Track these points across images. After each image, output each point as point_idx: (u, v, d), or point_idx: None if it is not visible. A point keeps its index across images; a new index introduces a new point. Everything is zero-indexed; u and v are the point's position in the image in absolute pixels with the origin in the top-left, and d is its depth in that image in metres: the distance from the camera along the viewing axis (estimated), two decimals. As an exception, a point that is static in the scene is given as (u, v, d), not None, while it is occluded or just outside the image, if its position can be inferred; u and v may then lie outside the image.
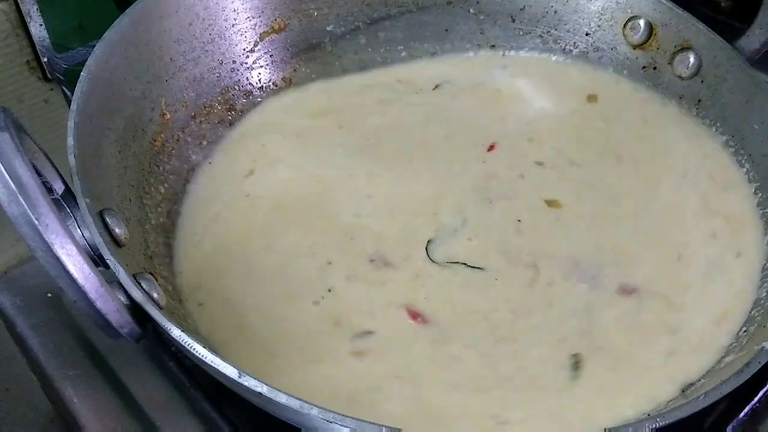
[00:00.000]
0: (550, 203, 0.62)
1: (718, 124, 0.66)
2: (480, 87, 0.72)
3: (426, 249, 0.58)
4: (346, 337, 0.52)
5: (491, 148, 0.66)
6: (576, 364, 0.51)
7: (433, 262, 0.58)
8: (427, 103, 0.71)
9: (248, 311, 0.53)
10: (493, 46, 0.76)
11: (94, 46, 0.53)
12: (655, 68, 0.70)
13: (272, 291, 0.55)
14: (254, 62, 0.69)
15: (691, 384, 0.50)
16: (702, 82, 0.67)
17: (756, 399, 0.49)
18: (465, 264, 0.57)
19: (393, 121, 0.69)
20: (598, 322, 0.53)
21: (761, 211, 0.60)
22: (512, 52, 0.74)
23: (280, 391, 0.39)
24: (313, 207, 0.61)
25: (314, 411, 0.39)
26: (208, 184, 0.62)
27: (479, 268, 0.57)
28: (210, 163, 0.64)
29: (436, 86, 0.72)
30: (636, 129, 0.68)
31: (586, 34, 0.73)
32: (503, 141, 0.67)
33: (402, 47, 0.75)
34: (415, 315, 0.54)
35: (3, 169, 0.38)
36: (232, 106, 0.67)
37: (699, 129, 0.67)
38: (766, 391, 0.50)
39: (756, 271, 0.56)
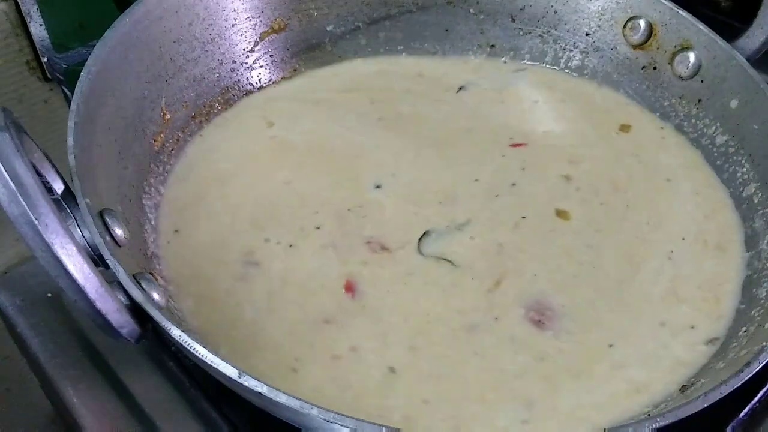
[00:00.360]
0: (560, 213, 0.61)
1: (718, 124, 0.66)
2: (505, 91, 0.72)
3: (420, 240, 0.58)
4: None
5: (517, 145, 0.67)
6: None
7: (420, 253, 0.58)
8: (454, 100, 0.71)
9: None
10: (492, 46, 0.76)
11: (94, 46, 0.53)
12: (655, 68, 0.70)
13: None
14: (254, 62, 0.69)
15: (691, 384, 0.50)
16: (702, 82, 0.67)
17: (756, 399, 0.49)
18: (451, 263, 0.57)
19: (421, 110, 0.70)
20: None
21: (762, 211, 0.60)
22: (529, 62, 0.75)
23: (280, 391, 0.39)
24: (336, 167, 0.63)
25: (314, 411, 0.39)
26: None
27: (448, 261, 0.57)
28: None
29: (461, 88, 0.72)
30: (663, 173, 0.66)
31: (586, 34, 0.73)
32: (532, 144, 0.67)
33: (402, 47, 0.75)
34: (350, 287, 0.55)
35: (3, 169, 0.38)
36: (232, 106, 0.67)
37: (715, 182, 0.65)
38: (766, 391, 0.50)
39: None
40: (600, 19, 0.72)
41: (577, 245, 0.59)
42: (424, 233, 0.59)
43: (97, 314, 0.41)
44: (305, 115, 0.68)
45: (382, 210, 0.60)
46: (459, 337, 0.52)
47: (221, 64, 0.66)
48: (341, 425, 0.39)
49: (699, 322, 0.54)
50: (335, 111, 0.68)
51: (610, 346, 0.52)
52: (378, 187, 0.62)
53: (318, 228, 0.58)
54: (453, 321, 0.53)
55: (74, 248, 0.39)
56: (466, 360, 0.51)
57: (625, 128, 0.69)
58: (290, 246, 0.57)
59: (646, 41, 0.70)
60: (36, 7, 0.70)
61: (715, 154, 0.66)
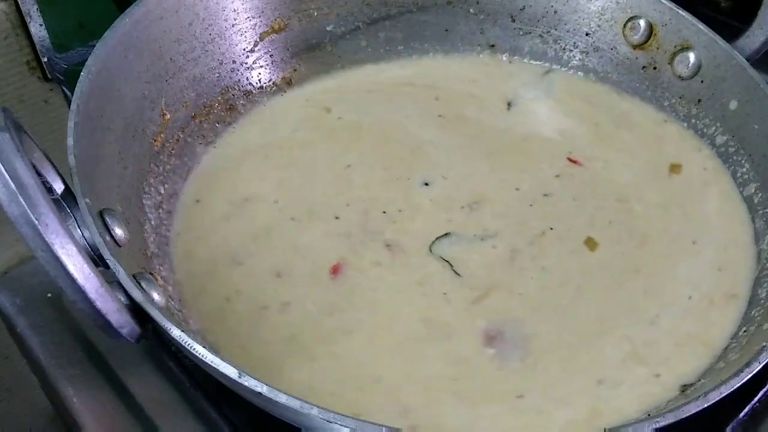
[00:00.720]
0: (589, 241, 0.59)
1: (718, 124, 0.66)
2: (563, 104, 0.72)
3: (438, 239, 0.59)
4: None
5: (573, 162, 0.66)
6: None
7: (430, 252, 0.58)
8: (515, 109, 0.71)
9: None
10: (493, 45, 0.76)
11: (94, 46, 0.53)
12: (655, 68, 0.70)
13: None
14: (254, 62, 0.69)
15: (691, 384, 0.50)
16: (702, 82, 0.67)
17: (756, 399, 0.49)
18: (451, 266, 0.57)
19: (479, 114, 0.70)
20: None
21: (762, 211, 0.60)
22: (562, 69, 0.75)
23: (280, 391, 0.39)
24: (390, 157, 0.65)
25: (314, 411, 0.39)
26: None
27: (450, 265, 0.57)
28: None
29: (509, 104, 0.72)
30: (695, 230, 0.61)
31: (586, 34, 0.73)
32: (588, 165, 0.66)
33: (402, 47, 0.75)
34: (336, 269, 0.56)
35: (3, 169, 0.38)
36: (232, 106, 0.67)
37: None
38: (766, 391, 0.50)
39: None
40: (600, 19, 0.72)
41: (584, 278, 0.57)
42: (445, 234, 0.59)
43: (97, 314, 0.41)
44: (368, 103, 0.70)
45: (416, 214, 0.61)
46: (407, 340, 0.52)
47: (221, 64, 0.66)
48: (341, 425, 0.39)
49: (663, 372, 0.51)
50: (398, 101, 0.70)
51: (519, 396, 0.50)
52: (426, 184, 0.63)
53: (338, 218, 0.60)
54: (412, 322, 0.53)
55: (74, 248, 0.39)
56: (394, 358, 0.51)
57: (675, 169, 0.65)
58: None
59: (646, 41, 0.70)
60: (36, 7, 0.70)
61: (715, 154, 0.66)
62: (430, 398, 0.49)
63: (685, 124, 0.69)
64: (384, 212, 0.60)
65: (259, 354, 0.51)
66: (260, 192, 0.62)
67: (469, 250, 0.58)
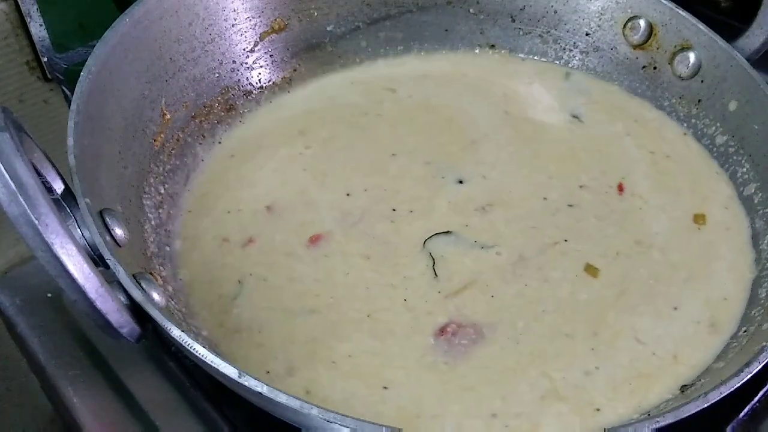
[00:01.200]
0: (590, 268, 0.57)
1: (718, 124, 0.66)
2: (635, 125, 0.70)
3: (438, 234, 0.59)
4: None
5: (620, 188, 0.64)
6: None
7: (424, 246, 0.58)
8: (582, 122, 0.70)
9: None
10: (492, 45, 0.76)
11: (94, 46, 0.53)
12: (655, 68, 0.70)
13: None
14: (254, 62, 0.69)
15: (691, 384, 0.50)
16: (702, 82, 0.67)
17: (756, 399, 0.49)
18: (434, 263, 0.57)
19: (543, 118, 0.70)
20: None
21: (762, 211, 0.60)
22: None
23: (280, 391, 0.39)
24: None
25: (314, 411, 0.39)
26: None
27: (434, 261, 0.57)
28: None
29: (576, 116, 0.71)
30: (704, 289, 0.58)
31: (586, 34, 0.73)
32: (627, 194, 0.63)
33: (402, 47, 0.75)
34: (316, 239, 0.58)
35: (3, 169, 0.38)
36: (232, 106, 0.67)
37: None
38: (766, 391, 0.50)
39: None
40: (600, 19, 0.72)
41: (571, 301, 0.55)
42: (446, 231, 0.59)
43: (97, 314, 0.41)
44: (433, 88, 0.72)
45: (424, 217, 0.60)
46: (353, 318, 0.53)
47: (221, 64, 0.66)
48: (341, 425, 0.39)
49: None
50: (468, 90, 0.72)
51: (427, 415, 0.48)
52: (461, 182, 0.63)
53: (349, 195, 0.61)
54: (359, 304, 0.54)
55: (74, 248, 0.39)
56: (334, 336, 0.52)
57: (699, 219, 0.61)
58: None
59: (646, 41, 0.70)
60: (36, 7, 0.70)
61: (715, 154, 0.66)
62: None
63: (685, 125, 0.69)
64: (393, 210, 0.60)
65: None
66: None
67: (462, 254, 0.58)
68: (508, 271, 0.57)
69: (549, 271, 0.57)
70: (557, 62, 0.75)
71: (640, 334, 0.53)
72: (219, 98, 0.66)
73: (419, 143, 0.66)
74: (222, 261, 0.56)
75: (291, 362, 0.50)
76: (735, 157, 0.64)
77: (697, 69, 0.67)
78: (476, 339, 0.52)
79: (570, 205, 0.62)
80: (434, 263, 0.57)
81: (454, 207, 0.61)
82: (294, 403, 0.39)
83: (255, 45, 0.68)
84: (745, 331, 0.52)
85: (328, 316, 0.53)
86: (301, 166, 0.64)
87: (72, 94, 0.49)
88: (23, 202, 0.38)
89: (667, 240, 0.60)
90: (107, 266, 0.43)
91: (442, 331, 0.53)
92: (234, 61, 0.67)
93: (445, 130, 0.68)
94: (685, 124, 0.69)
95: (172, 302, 0.51)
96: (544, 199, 0.62)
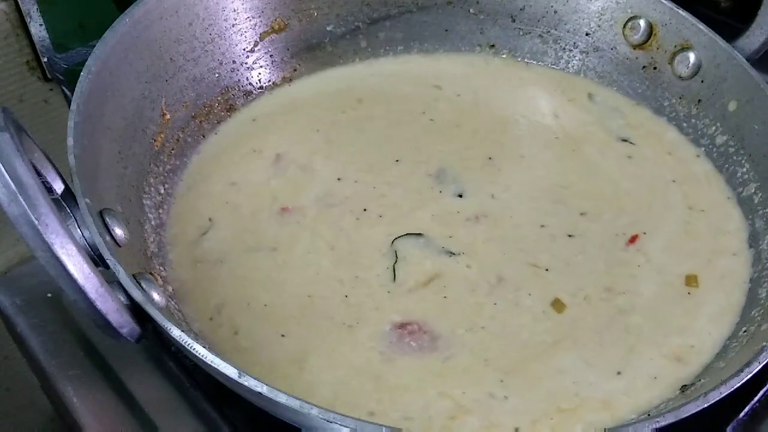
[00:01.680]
0: (557, 303, 0.54)
1: (718, 124, 0.66)
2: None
3: (408, 235, 0.58)
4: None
5: (633, 239, 0.60)
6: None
7: (394, 240, 0.58)
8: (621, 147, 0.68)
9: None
10: (492, 45, 0.76)
11: (94, 46, 0.53)
12: (655, 68, 0.70)
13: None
14: (254, 62, 0.69)
15: (691, 384, 0.50)
16: (702, 82, 0.67)
17: (756, 399, 0.49)
18: (396, 261, 0.57)
19: (593, 150, 0.68)
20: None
21: (762, 211, 0.60)
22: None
23: (280, 391, 0.39)
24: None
25: (314, 411, 0.39)
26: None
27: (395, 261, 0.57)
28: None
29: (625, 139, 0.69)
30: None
31: (586, 34, 0.73)
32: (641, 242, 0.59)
33: (402, 47, 0.75)
34: (287, 210, 0.60)
35: (3, 169, 0.38)
36: (232, 106, 0.67)
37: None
38: (766, 391, 0.50)
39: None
40: (600, 19, 0.72)
41: (526, 328, 0.53)
42: (418, 234, 0.59)
43: (97, 314, 0.41)
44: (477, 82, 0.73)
45: (407, 221, 0.60)
46: (295, 292, 0.54)
47: (221, 64, 0.66)
48: (341, 425, 0.39)
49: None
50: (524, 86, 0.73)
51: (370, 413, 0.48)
52: (460, 196, 0.62)
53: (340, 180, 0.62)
54: (306, 281, 0.55)
55: (74, 248, 0.39)
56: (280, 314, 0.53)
57: (691, 281, 0.57)
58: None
59: (646, 41, 0.70)
60: (36, 7, 0.70)
61: (715, 154, 0.66)
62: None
63: (685, 123, 0.69)
64: (365, 210, 0.60)
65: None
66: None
67: (425, 257, 0.57)
68: (472, 283, 0.55)
69: (511, 293, 0.55)
70: (558, 65, 0.75)
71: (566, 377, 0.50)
72: (219, 98, 0.66)
73: (436, 152, 0.65)
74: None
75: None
76: (735, 157, 0.64)
77: (697, 69, 0.67)
78: (428, 345, 0.52)
79: (570, 236, 0.59)
80: (396, 262, 0.57)
81: (439, 219, 0.60)
82: (294, 403, 0.39)
83: (255, 45, 0.68)
84: (745, 331, 0.52)
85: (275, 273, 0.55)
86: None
87: (72, 94, 0.49)
88: (23, 202, 0.38)
89: (647, 304, 0.55)
90: (107, 266, 0.43)
91: (402, 326, 0.53)
92: (234, 61, 0.67)
93: (477, 142, 0.66)
94: (685, 124, 0.69)
95: (172, 302, 0.51)
96: (542, 226, 0.60)
